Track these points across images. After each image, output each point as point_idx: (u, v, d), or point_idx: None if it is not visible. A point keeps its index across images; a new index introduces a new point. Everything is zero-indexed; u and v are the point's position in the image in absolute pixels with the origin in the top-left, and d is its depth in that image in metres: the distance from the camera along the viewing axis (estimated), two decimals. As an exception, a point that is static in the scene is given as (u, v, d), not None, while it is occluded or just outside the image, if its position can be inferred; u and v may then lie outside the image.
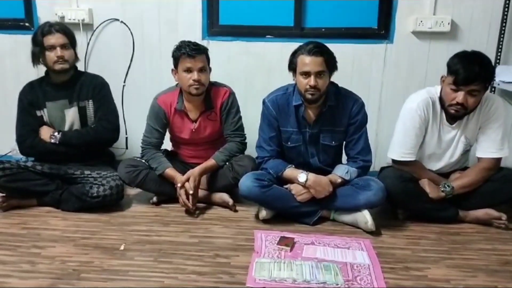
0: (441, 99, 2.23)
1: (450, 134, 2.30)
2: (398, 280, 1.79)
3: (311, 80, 2.08)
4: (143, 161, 2.44)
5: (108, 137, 2.50)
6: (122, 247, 1.99)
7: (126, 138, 3.06)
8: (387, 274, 1.82)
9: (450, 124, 2.28)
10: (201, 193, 2.45)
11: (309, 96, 2.13)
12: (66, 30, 2.42)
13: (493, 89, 2.79)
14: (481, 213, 2.29)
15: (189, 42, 2.31)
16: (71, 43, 2.42)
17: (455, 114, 2.20)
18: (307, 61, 2.08)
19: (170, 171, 2.38)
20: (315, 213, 2.27)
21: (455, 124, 2.28)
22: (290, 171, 2.26)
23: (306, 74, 2.10)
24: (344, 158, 2.41)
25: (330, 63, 2.11)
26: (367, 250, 2.02)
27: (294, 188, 2.24)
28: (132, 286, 1.70)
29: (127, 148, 3.07)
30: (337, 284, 1.74)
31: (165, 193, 2.45)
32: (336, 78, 2.23)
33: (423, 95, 2.26)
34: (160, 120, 2.44)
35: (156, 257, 1.91)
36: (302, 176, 2.21)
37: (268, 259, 1.91)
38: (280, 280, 1.75)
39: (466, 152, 2.37)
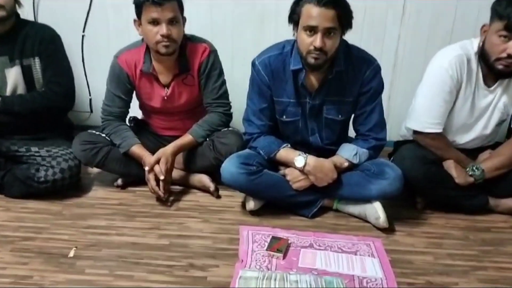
0: (480, 55, 1.77)
1: (486, 100, 1.86)
2: (419, 303, 1.41)
3: (317, 40, 1.57)
4: (104, 135, 1.98)
5: (59, 104, 2.00)
6: (71, 253, 1.58)
7: (90, 99, 2.57)
8: (405, 294, 1.45)
9: (488, 86, 1.83)
10: (177, 173, 2.01)
11: (312, 61, 1.63)
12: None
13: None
14: (516, 202, 1.90)
15: (156, -18, 1.76)
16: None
17: (504, 71, 1.74)
18: (315, 13, 1.56)
19: (137, 149, 1.92)
20: (314, 203, 1.85)
21: (493, 86, 1.83)
22: (285, 152, 1.81)
23: (312, 30, 1.58)
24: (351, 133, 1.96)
25: (345, 18, 1.59)
26: (379, 256, 1.63)
27: (290, 174, 1.81)
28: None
29: (91, 111, 2.59)
30: (343, 311, 1.36)
31: (132, 175, 2.01)
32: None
33: (456, 50, 1.79)
34: (123, 85, 1.94)
35: (113, 269, 1.51)
36: (299, 159, 1.77)
37: (255, 271, 1.51)
38: (270, 306, 1.37)
39: (501, 122, 1.94)
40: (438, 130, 1.84)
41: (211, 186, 1.96)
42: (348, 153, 1.82)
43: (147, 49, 1.90)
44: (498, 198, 1.92)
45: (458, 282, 1.51)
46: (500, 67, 1.73)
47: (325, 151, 1.87)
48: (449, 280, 1.51)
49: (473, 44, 1.81)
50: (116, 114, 1.97)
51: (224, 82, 1.98)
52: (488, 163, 1.86)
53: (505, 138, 2.10)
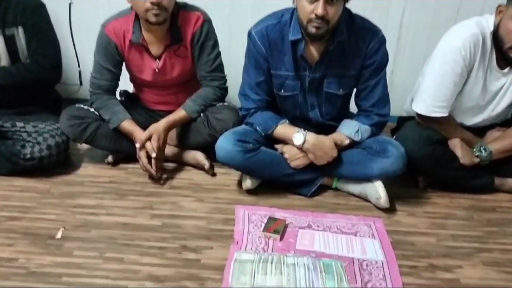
0: (495, 36, 1.63)
1: (498, 83, 1.74)
2: (422, 287, 1.35)
3: (319, 7, 1.45)
4: (92, 110, 1.88)
5: (45, 77, 1.89)
6: (59, 235, 1.51)
7: (79, 72, 2.45)
8: (406, 278, 1.38)
9: (501, 69, 1.71)
10: (169, 150, 1.93)
11: (313, 30, 1.51)
12: None
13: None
14: (523, 181, 1.83)
15: None
16: None
17: None
18: (316, -22, 1.43)
19: (128, 125, 1.82)
20: (313, 182, 1.77)
21: (507, 69, 1.71)
22: (282, 129, 1.72)
23: (313, -4, 1.46)
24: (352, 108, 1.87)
25: (348, -16, 1.47)
26: (380, 237, 1.56)
27: (288, 151, 1.72)
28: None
29: (81, 84, 2.47)
30: (342, 296, 1.30)
31: (123, 151, 1.92)
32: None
33: (471, 28, 1.64)
34: (111, 56, 1.83)
35: (103, 251, 1.44)
36: (298, 136, 1.68)
37: (251, 253, 1.45)
38: (266, 291, 1.31)
39: (512, 104, 1.84)
40: (444, 114, 1.73)
41: (206, 164, 1.88)
42: (349, 130, 1.73)
43: (137, 17, 1.77)
44: (504, 177, 1.85)
45: (461, 264, 1.45)
46: None
47: (325, 127, 1.78)
48: (453, 263, 1.46)
49: (489, 22, 1.66)
50: (105, 88, 1.87)
51: (219, 54, 1.86)
52: (497, 144, 1.76)
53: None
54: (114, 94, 1.93)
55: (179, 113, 1.84)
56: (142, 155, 1.78)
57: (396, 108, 2.01)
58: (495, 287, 1.36)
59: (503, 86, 1.74)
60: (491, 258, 1.48)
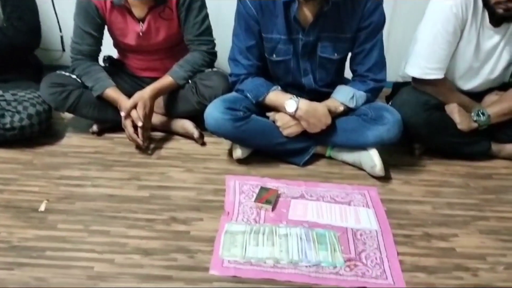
0: None
1: (492, 41, 1.68)
2: (416, 256, 1.32)
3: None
4: (74, 77, 1.78)
5: (22, 42, 1.79)
6: (42, 207, 1.45)
7: (61, 37, 2.33)
8: (401, 247, 1.35)
9: (494, 26, 1.65)
10: (157, 119, 1.85)
11: (306, -11, 1.42)
12: None
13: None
14: (520, 147, 1.79)
15: None
16: None
17: (504, 15, 1.58)
18: None
19: (112, 92, 1.74)
20: (306, 150, 1.72)
21: (500, 27, 1.65)
22: (274, 96, 1.65)
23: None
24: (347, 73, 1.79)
25: None
26: (374, 206, 1.53)
27: (280, 119, 1.66)
28: (43, 276, 1.19)
29: (63, 50, 2.36)
30: (335, 267, 1.27)
31: (108, 120, 1.84)
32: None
33: None
34: (92, 19, 1.72)
35: (88, 224, 1.39)
36: (290, 103, 1.61)
37: (242, 224, 1.40)
38: (258, 262, 1.27)
39: (510, 64, 1.77)
40: (440, 76, 1.68)
41: (195, 133, 1.81)
42: (344, 96, 1.66)
43: (118, -23, 1.66)
44: (502, 143, 1.81)
45: (457, 233, 1.42)
46: (500, 11, 1.57)
47: (319, 94, 1.71)
48: (448, 231, 1.42)
49: None
50: (86, 53, 1.77)
51: (207, 16, 1.76)
52: (495, 108, 1.72)
53: (510, 78, 1.95)
54: (97, 60, 1.83)
55: (166, 80, 1.75)
56: (127, 124, 1.71)
57: (392, 74, 1.94)
58: (492, 255, 1.33)
59: (497, 46, 1.69)
60: (488, 226, 1.46)
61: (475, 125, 1.71)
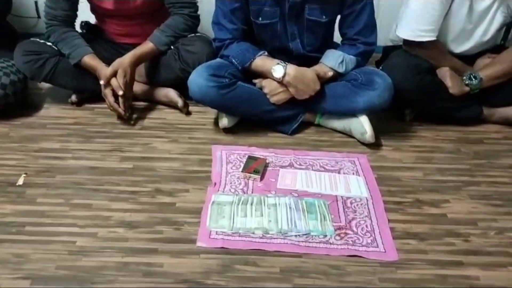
0: None
1: (485, 2, 1.64)
2: (408, 223, 1.29)
3: None
4: (50, 44, 1.69)
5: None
6: (20, 181, 1.39)
7: (36, 2, 2.21)
8: (392, 214, 1.33)
9: None
10: (139, 87, 1.77)
11: None
12: None
13: None
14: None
15: None
16: None
17: None
18: None
19: (90, 60, 1.65)
20: (295, 118, 1.67)
21: None
22: (261, 61, 1.58)
23: None
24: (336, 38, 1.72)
25: None
26: (364, 174, 1.49)
27: (267, 86, 1.59)
28: (23, 252, 1.15)
29: (39, 17, 2.24)
30: (325, 236, 1.24)
31: (88, 90, 1.76)
32: None
33: None
34: (65, -19, 1.62)
35: (69, 198, 1.33)
36: (278, 69, 1.55)
37: (230, 195, 1.36)
38: (246, 233, 1.23)
39: (503, 26, 1.72)
40: (432, 38, 1.63)
41: (179, 101, 1.74)
42: (333, 60, 1.60)
43: None
44: (493, 107, 1.78)
45: (449, 199, 1.40)
46: None
47: (307, 59, 1.65)
48: (439, 197, 1.40)
49: None
50: (61, 18, 1.67)
51: (188, -23, 1.67)
52: (488, 70, 1.67)
53: (501, 41, 1.90)
54: (73, 26, 1.74)
55: (146, 46, 1.67)
56: (107, 93, 1.63)
57: (382, 39, 1.88)
58: (483, 220, 1.32)
59: (490, 7, 1.64)
60: (479, 191, 1.43)
61: (467, 89, 1.67)
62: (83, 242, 1.18)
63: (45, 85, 1.85)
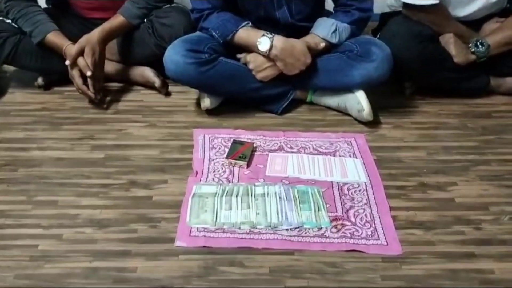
0: None
1: None
2: (412, 210, 1.16)
3: None
4: (9, 21, 1.52)
5: None
6: (-22, 177, 1.25)
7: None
8: (394, 201, 1.19)
9: None
10: (111, 67, 1.62)
11: None
12: None
13: None
14: (522, 81, 1.63)
15: None
16: None
17: None
18: None
19: (54, 37, 1.49)
20: (284, 96, 1.52)
21: None
22: (245, 33, 1.43)
23: None
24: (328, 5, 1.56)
25: None
26: (362, 156, 1.35)
27: (253, 61, 1.45)
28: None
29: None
30: (320, 228, 1.11)
31: (55, 71, 1.60)
32: None
33: None
34: None
35: (32, 194, 1.19)
36: (264, 41, 1.39)
37: (213, 185, 1.22)
38: (231, 228, 1.10)
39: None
40: (434, 1, 1.47)
41: (156, 81, 1.58)
42: (325, 30, 1.45)
43: None
44: (502, 77, 1.63)
45: (456, 181, 1.26)
46: None
47: (297, 30, 1.49)
48: (446, 180, 1.26)
49: None
50: (21, -8, 1.50)
51: None
52: (496, 36, 1.53)
53: (508, 4, 1.74)
54: (35, 0, 1.56)
55: (117, 19, 1.51)
56: (75, 74, 1.47)
57: (378, 6, 1.72)
58: (495, 204, 1.18)
59: None
60: (489, 171, 1.30)
61: (473, 57, 1.53)
62: (46, 245, 1.05)
63: (10, 68, 1.70)
